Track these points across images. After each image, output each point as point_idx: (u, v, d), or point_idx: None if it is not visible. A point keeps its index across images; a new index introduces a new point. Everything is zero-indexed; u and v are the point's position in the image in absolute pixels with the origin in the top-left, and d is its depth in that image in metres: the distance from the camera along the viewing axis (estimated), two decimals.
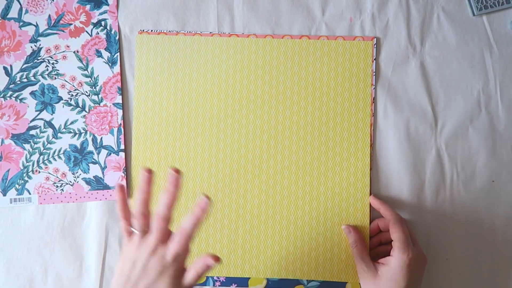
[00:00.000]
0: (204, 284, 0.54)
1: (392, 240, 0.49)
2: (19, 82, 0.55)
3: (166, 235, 0.43)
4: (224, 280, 0.54)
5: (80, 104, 0.55)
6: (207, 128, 0.55)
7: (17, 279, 0.54)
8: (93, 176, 0.55)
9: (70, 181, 0.55)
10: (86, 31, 0.56)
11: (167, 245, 0.42)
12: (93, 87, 0.55)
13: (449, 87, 0.55)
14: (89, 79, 0.55)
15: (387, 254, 0.49)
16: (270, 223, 0.54)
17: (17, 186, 0.55)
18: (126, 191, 0.46)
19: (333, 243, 0.54)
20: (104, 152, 0.55)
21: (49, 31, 0.55)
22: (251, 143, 0.55)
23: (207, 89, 0.55)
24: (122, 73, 0.56)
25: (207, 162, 0.54)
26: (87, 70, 0.55)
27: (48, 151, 0.55)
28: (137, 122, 0.55)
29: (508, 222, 0.54)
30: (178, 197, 0.43)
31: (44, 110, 0.55)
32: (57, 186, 0.55)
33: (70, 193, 0.55)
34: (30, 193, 0.55)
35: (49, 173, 0.55)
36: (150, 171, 0.44)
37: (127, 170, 0.55)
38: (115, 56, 0.55)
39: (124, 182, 0.54)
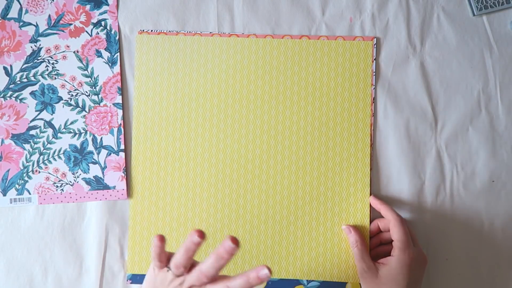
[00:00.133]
0: None
1: (392, 240, 0.49)
2: (19, 82, 0.55)
3: (188, 269, 0.41)
4: None
5: (80, 104, 0.55)
6: (207, 128, 0.55)
7: (17, 279, 0.54)
8: (93, 176, 0.55)
9: (70, 181, 0.55)
10: (86, 31, 0.56)
11: (188, 274, 0.41)
12: (93, 87, 0.55)
13: (449, 87, 0.55)
14: (89, 79, 0.55)
15: (387, 254, 0.49)
16: (270, 223, 0.54)
17: (17, 186, 0.55)
18: (164, 243, 0.42)
19: (333, 243, 0.54)
20: (104, 152, 0.55)
21: (49, 31, 0.55)
22: (251, 143, 0.55)
23: (207, 89, 0.55)
24: (122, 73, 0.56)
25: (207, 162, 0.54)
26: (87, 70, 0.55)
27: (48, 151, 0.55)
28: (137, 122, 0.55)
29: (508, 222, 0.54)
30: (226, 263, 0.39)
31: (44, 110, 0.55)
32: (57, 186, 0.55)
33: (70, 193, 0.55)
34: (30, 193, 0.55)
35: (49, 173, 0.55)
36: (202, 236, 0.40)
37: (127, 170, 0.55)
38: (115, 56, 0.55)
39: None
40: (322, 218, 0.54)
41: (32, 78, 0.55)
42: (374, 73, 0.55)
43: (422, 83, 0.55)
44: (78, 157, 0.55)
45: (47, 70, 0.55)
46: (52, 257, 0.54)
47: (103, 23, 0.56)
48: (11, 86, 0.55)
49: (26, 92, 0.55)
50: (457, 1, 0.56)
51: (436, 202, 0.55)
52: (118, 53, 0.56)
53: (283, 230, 0.54)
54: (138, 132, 0.55)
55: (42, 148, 0.55)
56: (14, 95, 0.55)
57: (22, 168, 0.55)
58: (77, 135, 0.55)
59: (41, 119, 0.55)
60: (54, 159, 0.55)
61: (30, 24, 0.55)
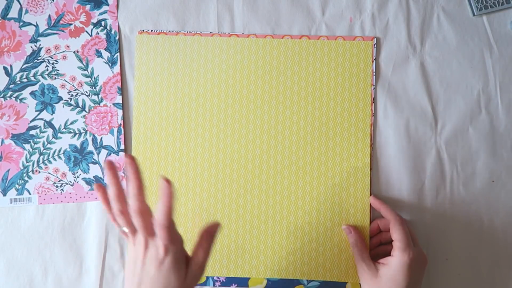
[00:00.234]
0: (204, 284, 0.54)
1: (392, 240, 0.49)
2: (19, 82, 0.55)
3: (151, 229, 0.41)
4: (224, 280, 0.54)
5: (80, 104, 0.55)
6: (207, 128, 0.55)
7: (17, 279, 0.54)
8: (93, 176, 0.55)
9: (70, 181, 0.55)
10: (86, 31, 0.56)
11: (155, 238, 0.41)
12: (93, 87, 0.55)
13: (449, 87, 0.55)
14: (89, 79, 0.55)
15: (387, 254, 0.49)
16: (270, 223, 0.54)
17: (17, 186, 0.55)
18: (106, 190, 0.44)
19: (333, 243, 0.54)
20: (104, 152, 0.55)
21: (49, 31, 0.55)
22: (251, 143, 0.55)
23: (207, 89, 0.55)
24: (122, 73, 0.56)
25: (207, 162, 0.54)
26: (87, 70, 0.55)
27: (48, 151, 0.55)
28: (137, 122, 0.55)
29: (508, 222, 0.54)
30: (143, 188, 0.41)
31: (44, 110, 0.55)
32: (57, 186, 0.55)
33: (70, 193, 0.55)
34: (30, 193, 0.55)
35: (49, 173, 0.55)
36: (113, 166, 0.42)
37: None
38: (115, 56, 0.55)
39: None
40: (322, 218, 0.54)
41: (32, 78, 0.55)
42: (374, 73, 0.55)
43: (422, 83, 0.55)
44: (78, 157, 0.55)
45: (47, 70, 0.55)
46: (52, 257, 0.54)
47: (103, 23, 0.56)
48: (11, 86, 0.55)
49: (26, 92, 0.55)
50: (457, 1, 0.56)
51: (436, 202, 0.55)
52: (118, 53, 0.56)
53: (283, 230, 0.54)
54: (138, 132, 0.55)
55: (42, 148, 0.55)
56: (14, 95, 0.55)
57: (22, 168, 0.55)
58: (77, 135, 0.55)
59: (41, 119, 0.55)
60: (54, 159, 0.55)
61: (30, 24, 0.55)
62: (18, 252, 0.55)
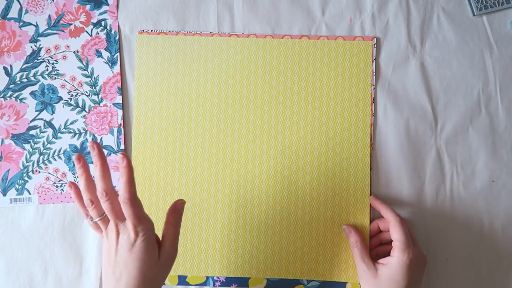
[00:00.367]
0: (204, 284, 0.54)
1: (392, 240, 0.49)
2: (19, 82, 0.55)
3: (120, 213, 0.43)
4: (224, 280, 0.54)
5: (80, 104, 0.55)
6: (207, 128, 0.55)
7: (17, 279, 0.54)
8: (93, 176, 0.55)
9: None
10: (86, 31, 0.56)
11: (125, 222, 0.43)
12: (93, 87, 0.55)
13: (449, 87, 0.55)
14: (89, 79, 0.55)
15: (387, 254, 0.49)
16: (270, 223, 0.54)
17: (17, 186, 0.55)
18: (77, 187, 0.46)
19: (333, 243, 0.54)
20: (104, 152, 0.55)
21: (49, 31, 0.55)
22: (251, 143, 0.55)
23: (207, 89, 0.55)
24: (122, 73, 0.56)
25: (207, 162, 0.54)
26: (87, 70, 0.55)
27: (48, 151, 0.55)
28: (137, 122, 0.55)
29: (508, 222, 0.54)
30: (107, 170, 0.43)
31: (44, 110, 0.55)
32: (57, 186, 0.55)
33: (70, 193, 0.55)
34: (30, 193, 0.55)
35: (49, 173, 0.55)
36: (82, 158, 0.44)
37: None
38: (115, 56, 0.55)
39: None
40: (322, 218, 0.54)
41: (32, 78, 0.55)
42: (374, 73, 0.55)
43: (422, 83, 0.55)
44: None
45: (47, 70, 0.55)
46: (52, 257, 0.54)
47: (103, 23, 0.56)
48: (11, 86, 0.55)
49: (26, 92, 0.55)
50: (457, 1, 0.56)
51: (436, 202, 0.55)
52: (118, 53, 0.56)
53: (283, 230, 0.54)
54: (138, 132, 0.55)
55: (42, 148, 0.55)
56: (14, 95, 0.55)
57: (22, 168, 0.55)
58: (77, 135, 0.55)
59: (41, 119, 0.55)
60: (54, 159, 0.55)
61: (30, 24, 0.55)
62: (18, 252, 0.55)
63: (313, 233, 0.54)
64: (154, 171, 0.55)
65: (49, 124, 0.55)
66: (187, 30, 0.56)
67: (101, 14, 0.56)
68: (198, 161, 0.55)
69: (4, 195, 0.55)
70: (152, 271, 0.43)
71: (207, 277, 0.54)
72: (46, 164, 0.55)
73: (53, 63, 0.55)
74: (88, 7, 0.56)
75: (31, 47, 0.55)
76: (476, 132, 0.55)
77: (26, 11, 0.55)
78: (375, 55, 0.55)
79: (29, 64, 0.55)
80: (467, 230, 0.54)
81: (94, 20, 0.56)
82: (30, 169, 0.55)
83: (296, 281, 0.54)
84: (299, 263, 0.54)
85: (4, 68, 0.55)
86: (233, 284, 0.54)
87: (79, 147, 0.55)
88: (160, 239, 0.45)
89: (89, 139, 0.55)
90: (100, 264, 0.54)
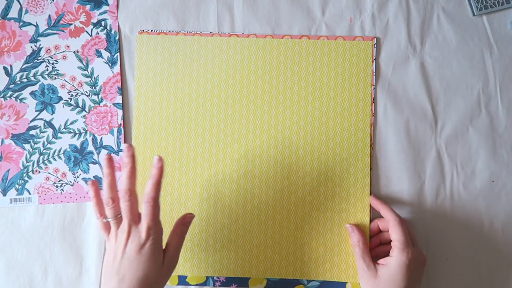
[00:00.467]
0: (204, 284, 0.54)
1: (391, 241, 0.49)
2: (19, 82, 0.55)
3: (136, 215, 0.46)
4: (224, 280, 0.54)
5: (80, 104, 0.55)
6: (207, 128, 0.55)
7: (17, 279, 0.54)
8: (93, 176, 0.55)
9: (70, 181, 0.55)
10: (86, 31, 0.56)
11: (139, 224, 0.45)
12: (93, 87, 0.55)
13: (449, 87, 0.55)
14: (89, 79, 0.55)
15: (387, 254, 0.49)
16: (270, 223, 0.54)
17: (17, 186, 0.55)
18: (98, 186, 0.49)
19: (333, 243, 0.54)
20: (104, 152, 0.55)
21: (49, 31, 0.55)
22: (251, 143, 0.55)
23: (207, 89, 0.55)
24: (122, 73, 0.56)
25: (207, 162, 0.54)
26: (87, 70, 0.55)
27: (48, 151, 0.55)
28: (137, 122, 0.55)
29: (508, 222, 0.54)
30: (135, 173, 0.46)
31: (44, 110, 0.55)
32: (57, 186, 0.55)
33: (70, 193, 0.55)
34: (30, 193, 0.55)
35: (49, 173, 0.55)
36: (112, 159, 0.47)
37: None
38: (115, 56, 0.55)
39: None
40: (322, 218, 0.54)
41: (32, 78, 0.55)
42: (374, 73, 0.55)
43: (422, 83, 0.55)
44: (78, 157, 0.55)
45: (47, 70, 0.55)
46: (52, 257, 0.54)
47: (103, 23, 0.56)
48: (11, 86, 0.55)
49: (26, 92, 0.55)
50: (457, 1, 0.56)
51: (436, 202, 0.55)
52: (118, 53, 0.56)
53: (283, 230, 0.54)
54: (138, 132, 0.55)
55: (42, 148, 0.55)
56: (14, 95, 0.55)
57: (22, 168, 0.55)
58: (77, 135, 0.55)
59: (41, 119, 0.55)
60: (54, 159, 0.55)
61: (30, 24, 0.55)
62: (18, 252, 0.55)
63: (313, 233, 0.54)
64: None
65: (49, 124, 0.55)
66: (187, 30, 0.56)
67: (101, 14, 0.56)
68: (198, 161, 0.55)
69: (4, 195, 0.55)
70: (155, 275, 0.44)
71: (207, 277, 0.54)
72: (46, 164, 0.55)
73: (53, 63, 0.55)
74: (88, 7, 0.56)
75: (31, 47, 0.55)
76: (476, 132, 0.55)
77: (26, 11, 0.55)
78: (375, 55, 0.55)
79: (29, 64, 0.55)
80: (467, 230, 0.54)
81: (94, 20, 0.56)
82: (30, 169, 0.55)
83: (296, 281, 0.54)
84: (299, 263, 0.54)
85: (4, 68, 0.55)
86: (233, 284, 0.54)
87: (79, 147, 0.55)
88: (163, 246, 0.47)
89: (89, 139, 0.55)
90: (100, 264, 0.54)
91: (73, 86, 0.55)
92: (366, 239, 0.52)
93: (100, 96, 0.55)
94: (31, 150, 0.55)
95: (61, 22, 0.55)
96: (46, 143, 0.55)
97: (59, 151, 0.55)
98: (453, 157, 0.55)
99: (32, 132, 0.55)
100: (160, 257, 0.45)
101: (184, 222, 0.49)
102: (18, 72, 0.55)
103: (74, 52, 0.55)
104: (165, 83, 0.55)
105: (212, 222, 0.54)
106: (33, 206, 0.55)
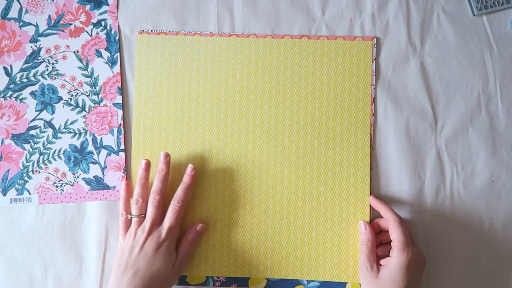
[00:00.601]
0: (204, 284, 0.54)
1: (391, 241, 0.49)
2: (19, 82, 0.55)
3: (159, 217, 0.50)
4: (224, 280, 0.54)
5: (80, 104, 0.55)
6: (207, 128, 0.55)
7: (17, 279, 0.54)
8: (93, 176, 0.55)
9: (70, 181, 0.55)
10: (86, 31, 0.56)
11: (161, 225, 0.49)
12: (93, 87, 0.55)
13: (449, 87, 0.55)
14: (89, 79, 0.55)
15: (387, 254, 0.49)
16: (270, 223, 0.54)
17: (17, 186, 0.55)
18: (130, 185, 0.54)
19: (333, 243, 0.54)
20: (104, 152, 0.55)
21: (49, 31, 0.55)
22: (251, 143, 0.55)
23: (207, 89, 0.55)
24: (122, 73, 0.56)
25: (207, 162, 0.54)
26: (87, 70, 0.55)
27: (48, 151, 0.55)
28: (137, 122, 0.55)
29: (508, 222, 0.54)
30: (168, 179, 0.52)
31: (44, 110, 0.55)
32: (57, 186, 0.55)
33: (70, 193, 0.55)
34: (30, 193, 0.55)
35: (49, 173, 0.55)
36: (148, 161, 0.52)
37: (127, 170, 0.55)
38: (115, 56, 0.55)
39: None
40: (322, 218, 0.54)
41: (32, 78, 0.55)
42: (374, 73, 0.55)
43: (422, 83, 0.55)
44: (78, 157, 0.55)
45: (47, 70, 0.55)
46: (52, 257, 0.54)
47: (103, 23, 0.56)
48: (11, 86, 0.55)
49: (26, 92, 0.55)
50: (457, 1, 0.56)
51: (436, 202, 0.55)
52: (118, 53, 0.56)
53: (283, 230, 0.54)
54: (138, 132, 0.55)
55: (42, 148, 0.55)
56: (14, 95, 0.55)
57: (22, 168, 0.55)
58: (77, 135, 0.55)
59: (41, 119, 0.55)
60: (54, 159, 0.55)
61: (30, 24, 0.55)
62: (18, 252, 0.55)
63: (313, 233, 0.54)
64: (154, 171, 0.54)
65: (49, 124, 0.55)
66: (187, 30, 0.56)
67: (101, 14, 0.56)
68: (198, 161, 0.54)
69: (4, 195, 0.55)
70: (166, 274, 0.48)
71: (207, 277, 0.54)
72: (46, 164, 0.55)
73: (53, 63, 0.55)
74: (88, 7, 0.56)
75: (31, 47, 0.55)
76: (476, 132, 0.55)
77: (26, 11, 0.55)
78: (375, 55, 0.55)
79: (29, 64, 0.55)
80: (467, 230, 0.54)
81: (94, 20, 0.56)
82: (30, 169, 0.55)
83: (296, 281, 0.54)
84: (299, 263, 0.54)
85: (4, 68, 0.55)
86: (233, 284, 0.54)
87: (79, 147, 0.55)
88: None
89: (89, 139, 0.55)
90: (100, 264, 0.54)
91: (73, 86, 0.55)
92: (375, 239, 0.51)
93: (100, 96, 0.55)
94: (31, 150, 0.55)
95: (61, 22, 0.55)
96: (46, 143, 0.55)
97: (59, 151, 0.55)
98: (453, 157, 0.55)
99: (32, 132, 0.55)
100: (173, 258, 0.49)
101: (197, 232, 0.52)
102: (18, 72, 0.55)
103: (74, 52, 0.55)
104: (165, 83, 0.55)
105: (212, 223, 0.54)
106: (33, 206, 0.55)
